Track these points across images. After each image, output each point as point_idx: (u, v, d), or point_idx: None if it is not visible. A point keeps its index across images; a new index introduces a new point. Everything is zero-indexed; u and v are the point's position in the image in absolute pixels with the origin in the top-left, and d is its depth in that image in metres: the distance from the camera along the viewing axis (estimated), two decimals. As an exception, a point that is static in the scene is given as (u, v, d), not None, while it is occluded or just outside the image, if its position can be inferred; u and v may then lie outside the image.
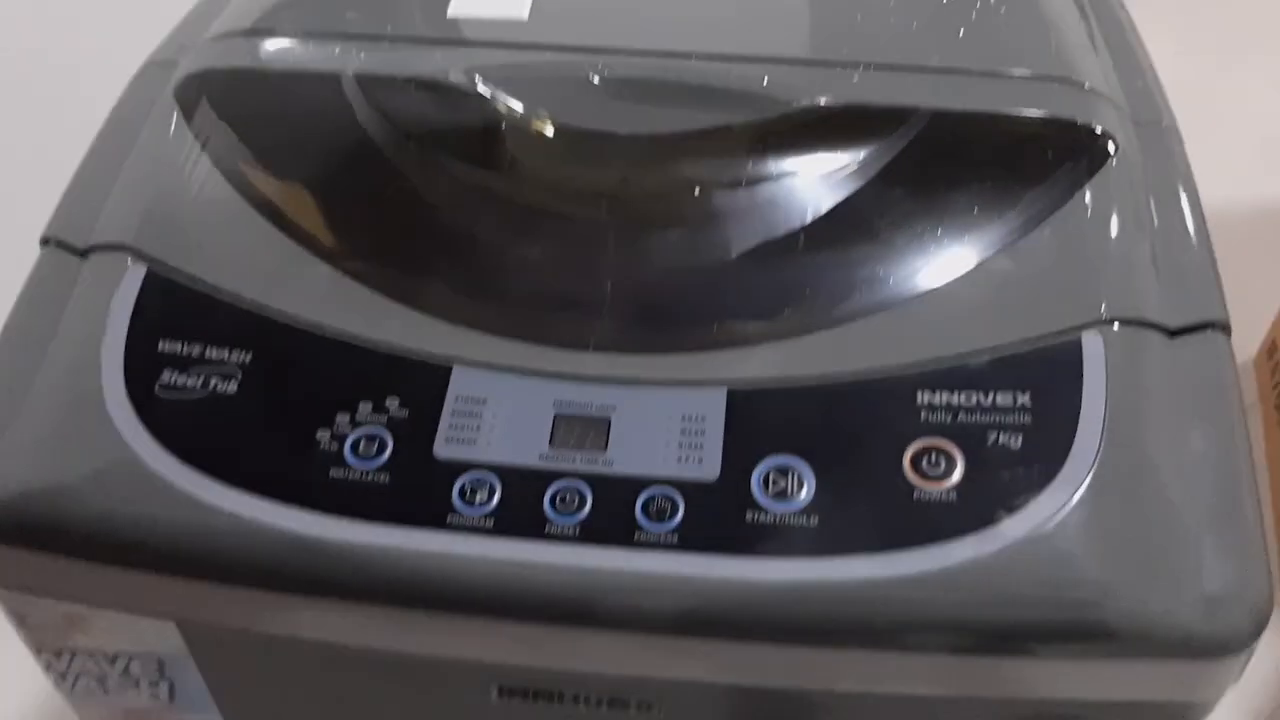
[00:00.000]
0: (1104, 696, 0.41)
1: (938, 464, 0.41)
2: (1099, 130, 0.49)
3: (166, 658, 0.46)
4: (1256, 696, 1.28)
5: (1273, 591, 0.40)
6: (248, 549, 0.40)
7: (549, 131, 0.48)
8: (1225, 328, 0.45)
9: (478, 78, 0.50)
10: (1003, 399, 0.42)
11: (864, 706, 0.42)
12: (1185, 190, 0.50)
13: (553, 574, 0.40)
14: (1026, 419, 0.41)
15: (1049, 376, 0.42)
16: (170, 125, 0.51)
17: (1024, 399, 0.42)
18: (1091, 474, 0.40)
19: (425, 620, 0.41)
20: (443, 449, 0.42)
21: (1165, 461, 0.41)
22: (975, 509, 0.40)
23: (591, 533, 0.40)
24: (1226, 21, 2.04)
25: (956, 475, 0.40)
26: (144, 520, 0.41)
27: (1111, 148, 0.49)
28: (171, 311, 0.45)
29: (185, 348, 0.44)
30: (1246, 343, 1.67)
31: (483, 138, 0.50)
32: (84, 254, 0.48)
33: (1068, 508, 0.39)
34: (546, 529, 0.40)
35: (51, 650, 0.48)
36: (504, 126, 0.49)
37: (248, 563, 0.41)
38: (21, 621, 0.47)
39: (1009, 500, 0.40)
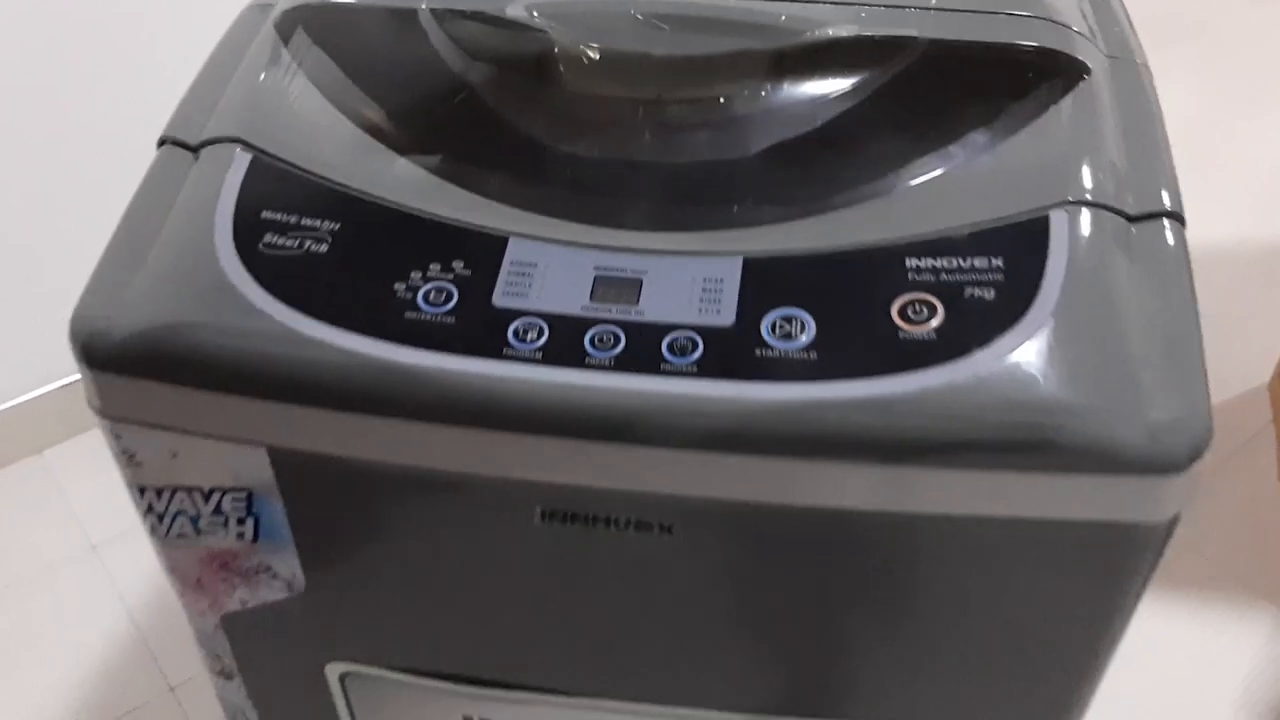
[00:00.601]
0: (1061, 514, 0.47)
1: (921, 312, 0.48)
2: (1074, 58, 0.57)
3: (255, 490, 0.53)
4: (1258, 703, 1.31)
5: (1211, 426, 0.46)
6: (335, 372, 0.48)
7: (593, 54, 0.56)
8: (1180, 218, 0.52)
9: (533, 11, 0.58)
10: (979, 262, 0.49)
11: (852, 527, 0.49)
12: (1152, 111, 0.57)
13: (590, 395, 0.47)
14: (999, 277, 0.48)
15: (1020, 245, 0.49)
16: (271, 49, 0.59)
17: (997, 262, 0.49)
18: (1052, 319, 0.47)
19: (482, 437, 0.48)
20: (500, 299, 0.50)
21: (1119, 314, 0.48)
22: (951, 345, 0.46)
23: (624, 364, 0.47)
24: (1250, 71, 2.14)
25: (937, 320, 0.47)
26: (249, 349, 0.49)
27: (1085, 73, 0.56)
28: (273, 188, 0.53)
29: (284, 216, 0.52)
30: (1263, 369, 1.73)
31: (536, 59, 0.58)
32: (197, 150, 0.56)
33: (1031, 345, 0.46)
34: (586, 361, 0.48)
35: (154, 489, 0.55)
36: (555, 50, 0.57)
37: (334, 384, 0.48)
38: (130, 459, 0.54)
39: (980, 338, 0.46)
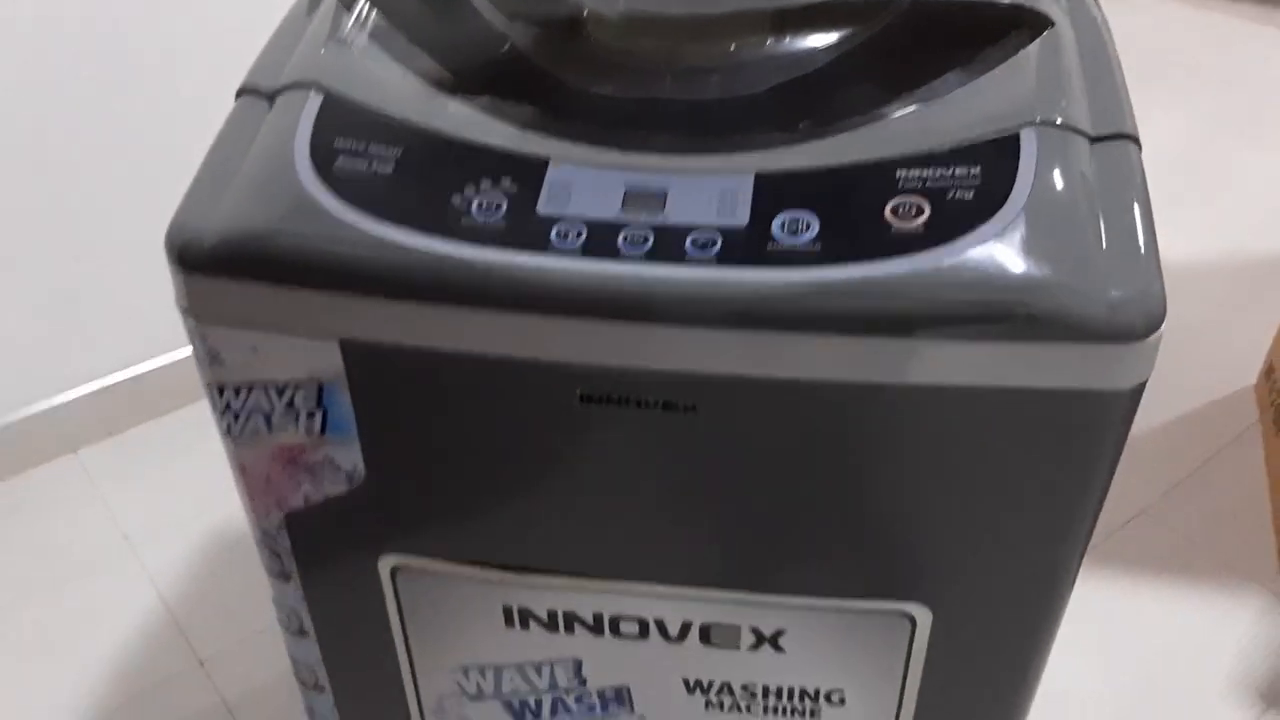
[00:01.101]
0: (1036, 383, 0.54)
1: (910, 211, 0.55)
2: (1040, 12, 0.65)
3: (326, 383, 0.60)
4: (1249, 682, 1.37)
5: (1164, 305, 0.54)
6: (401, 265, 0.55)
7: (620, 14, 0.65)
8: (1136, 140, 0.60)
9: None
10: (960, 171, 0.56)
11: (852, 400, 0.56)
12: (1109, 55, 0.65)
13: (624, 281, 0.54)
14: (976, 182, 0.56)
15: (994, 156, 0.57)
16: (335, 12, 0.67)
17: (975, 170, 0.56)
18: (1024, 214, 0.54)
19: (531, 321, 0.55)
20: (543, 208, 0.57)
21: (1082, 211, 0.55)
22: (937, 236, 0.54)
23: (653, 256, 0.55)
24: (1241, 102, 2.28)
25: (924, 217, 0.55)
26: (326, 248, 0.56)
27: (1050, 24, 0.64)
28: (343, 122, 0.61)
29: (354, 144, 0.60)
30: (1250, 372, 1.80)
31: (570, 19, 0.66)
32: (272, 97, 0.64)
33: (1005, 234, 0.53)
34: (620, 255, 0.55)
35: (233, 387, 0.62)
36: (586, 12, 0.65)
37: (400, 276, 0.55)
38: (214, 359, 0.61)
39: (961, 229, 0.54)
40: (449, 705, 0.76)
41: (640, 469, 0.61)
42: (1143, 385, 0.56)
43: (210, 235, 0.57)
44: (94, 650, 1.39)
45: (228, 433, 0.65)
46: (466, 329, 0.56)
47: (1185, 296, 1.99)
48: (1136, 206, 0.56)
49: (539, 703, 0.75)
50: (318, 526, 0.68)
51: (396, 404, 0.61)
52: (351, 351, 0.59)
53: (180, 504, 1.60)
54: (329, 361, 0.59)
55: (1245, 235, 2.14)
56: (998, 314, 0.53)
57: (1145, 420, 1.76)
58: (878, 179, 0.57)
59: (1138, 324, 0.53)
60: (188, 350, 1.85)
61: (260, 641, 1.40)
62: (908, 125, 0.60)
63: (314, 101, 0.62)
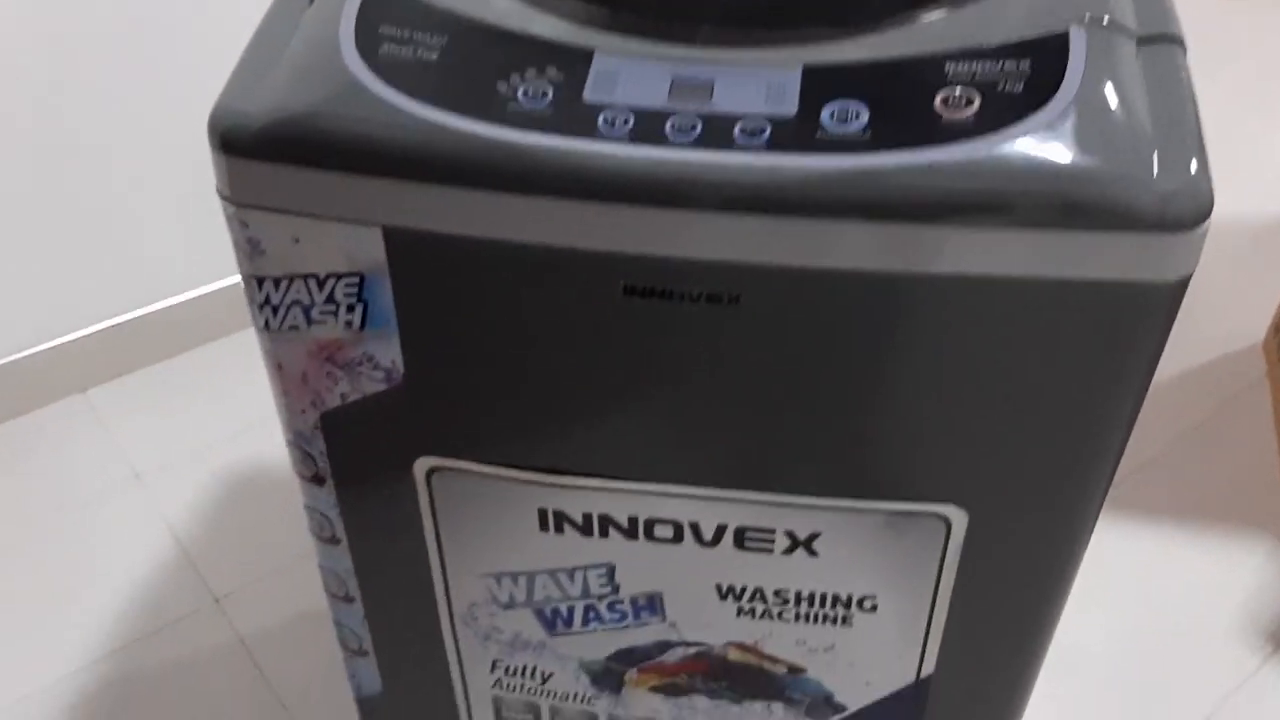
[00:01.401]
0: (1083, 274, 0.54)
1: (960, 101, 0.55)
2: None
3: (367, 274, 0.60)
4: (1257, 623, 1.38)
5: (1211, 197, 0.53)
6: (447, 148, 0.55)
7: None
8: (1181, 43, 0.59)
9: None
10: (1009, 65, 0.56)
11: (899, 291, 0.56)
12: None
13: (673, 166, 0.54)
14: (1026, 75, 0.55)
15: (1044, 52, 0.57)
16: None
17: (1024, 65, 0.56)
18: (1074, 105, 0.54)
19: (576, 208, 0.55)
20: (589, 96, 0.57)
21: (1131, 105, 0.55)
22: (987, 125, 0.54)
23: (701, 143, 0.55)
24: (1255, 73, 2.30)
25: (974, 108, 0.54)
26: (372, 131, 0.56)
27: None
28: (388, 10, 0.60)
29: (399, 31, 0.59)
30: (1260, 328, 1.81)
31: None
32: (313, -13, 0.63)
33: (1056, 123, 0.53)
34: (668, 141, 0.55)
35: (273, 279, 0.62)
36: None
37: (446, 160, 0.55)
38: (254, 248, 0.61)
39: (1012, 119, 0.54)
40: (480, 614, 0.77)
41: (680, 366, 0.61)
42: (1188, 279, 0.56)
43: (255, 118, 0.57)
44: (109, 588, 1.39)
45: (265, 328, 0.65)
46: (511, 215, 0.56)
47: (1195, 254, 2.00)
48: (1183, 103, 0.56)
49: (571, 610, 0.75)
50: (354, 428, 0.68)
51: (438, 296, 0.61)
52: (395, 240, 0.59)
53: (191, 443, 1.60)
54: (371, 251, 0.59)
55: (1257, 201, 2.16)
56: (1048, 201, 0.52)
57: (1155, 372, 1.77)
58: (927, 71, 0.56)
59: (1186, 214, 0.53)
60: (197, 291, 1.84)
61: (276, 580, 1.40)
62: (957, 22, 0.59)
63: (357, -10, 0.61)
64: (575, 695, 0.81)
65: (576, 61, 0.58)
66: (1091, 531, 0.68)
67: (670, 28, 0.60)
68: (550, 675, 0.80)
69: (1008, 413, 0.61)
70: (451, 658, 0.81)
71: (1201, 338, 1.81)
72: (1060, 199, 0.52)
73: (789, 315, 0.58)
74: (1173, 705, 1.28)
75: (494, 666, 0.80)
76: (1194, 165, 0.54)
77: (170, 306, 1.71)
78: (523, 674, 0.80)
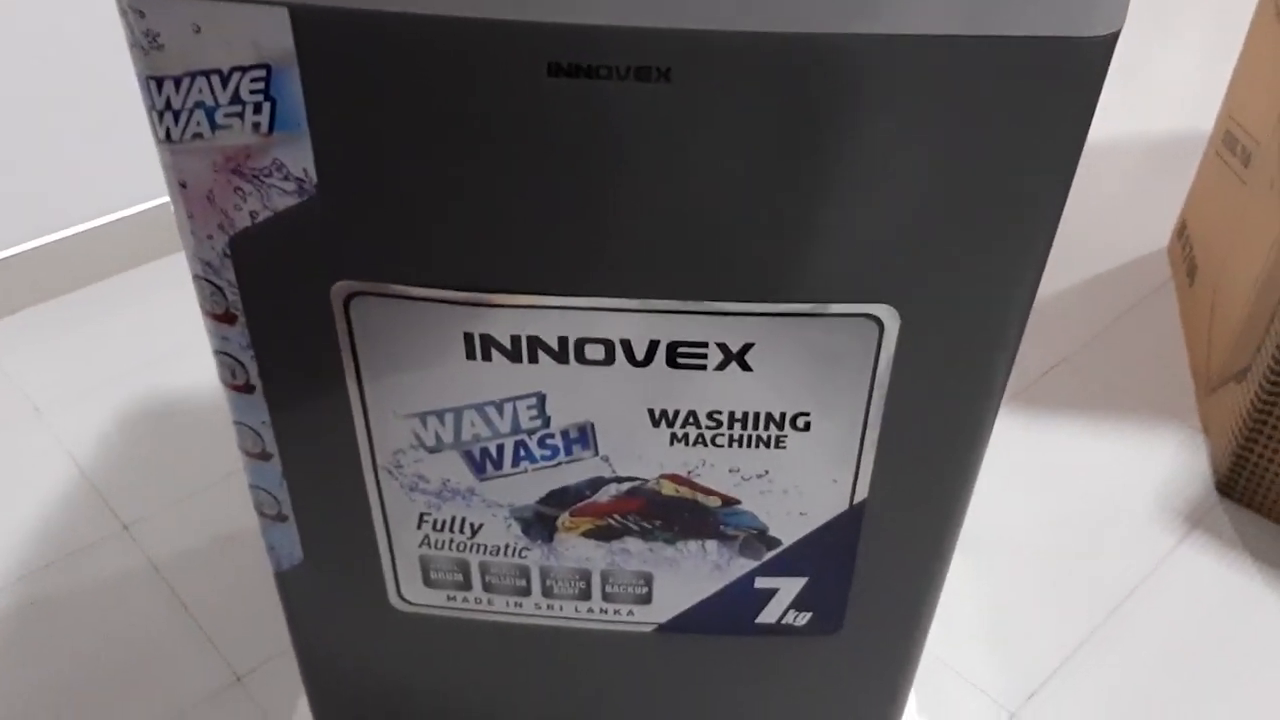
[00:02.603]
0: (1007, 30, 0.53)
1: None
2: None
3: (275, 65, 0.57)
4: (1171, 507, 1.41)
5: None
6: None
7: None
8: None
9: None
10: None
11: (833, 55, 0.55)
12: None
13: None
14: None
15: None
16: None
17: None
18: None
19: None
20: None
21: None
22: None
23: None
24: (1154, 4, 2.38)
25: None
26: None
27: None
28: None
29: None
30: (1165, 235, 1.87)
31: None
32: None
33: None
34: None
35: (173, 79, 0.58)
36: None
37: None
38: (153, 42, 0.57)
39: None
40: (405, 460, 0.74)
41: (609, 161, 0.59)
42: (1115, 36, 0.55)
43: (146, -110, 0.54)
44: (14, 518, 1.33)
45: (166, 139, 0.61)
46: (427, -18, 0.54)
47: (1103, 172, 2.04)
48: None
49: (500, 449, 0.73)
50: (265, 251, 0.65)
51: (351, 89, 0.58)
52: (303, 21, 0.55)
53: (88, 377, 1.54)
54: (279, 37, 0.56)
55: (1156, 119, 2.22)
56: (977, -54, 0.52)
57: (1065, 278, 1.80)
58: None
59: (1112, -37, 0.53)
60: (81, 227, 1.77)
61: (185, 505, 1.36)
62: None
63: None
64: (506, 547, 0.79)
65: None
66: (1019, 334, 0.68)
67: None
68: (480, 527, 0.78)
69: (939, 198, 0.60)
70: (376, 514, 0.78)
71: (1109, 245, 1.86)
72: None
73: (720, 92, 0.57)
74: (1096, 584, 1.30)
75: (420, 521, 0.78)
76: (1117, -82, 0.53)
77: (62, 240, 1.64)
78: (450, 527, 0.78)
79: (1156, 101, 2.31)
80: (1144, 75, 2.39)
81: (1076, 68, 0.56)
